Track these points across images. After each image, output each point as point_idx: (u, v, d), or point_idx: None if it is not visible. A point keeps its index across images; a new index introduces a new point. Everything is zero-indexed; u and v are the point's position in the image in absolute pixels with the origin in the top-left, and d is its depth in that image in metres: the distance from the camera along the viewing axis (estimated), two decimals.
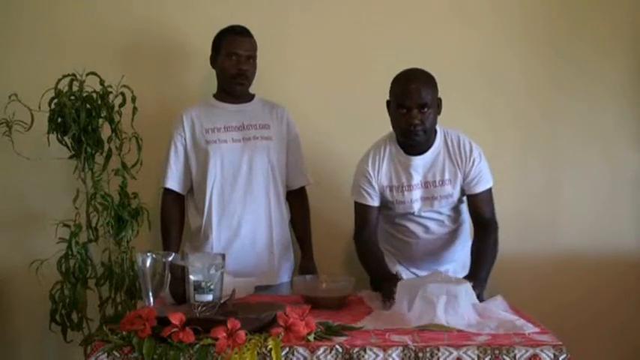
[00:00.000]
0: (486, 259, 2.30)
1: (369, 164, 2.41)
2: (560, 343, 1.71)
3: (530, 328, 1.83)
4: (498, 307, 2.02)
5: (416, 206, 2.40)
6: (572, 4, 3.06)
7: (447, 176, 2.37)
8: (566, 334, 1.85)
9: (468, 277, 2.15)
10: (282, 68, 2.97)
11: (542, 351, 1.67)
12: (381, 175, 2.39)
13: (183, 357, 1.67)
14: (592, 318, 3.01)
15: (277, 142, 2.72)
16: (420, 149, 2.36)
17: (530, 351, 1.68)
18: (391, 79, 2.35)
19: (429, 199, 2.40)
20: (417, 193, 2.39)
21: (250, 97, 2.76)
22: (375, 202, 2.42)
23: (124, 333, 1.74)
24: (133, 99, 2.68)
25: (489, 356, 1.67)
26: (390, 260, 2.51)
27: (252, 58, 2.68)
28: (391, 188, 2.40)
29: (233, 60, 2.65)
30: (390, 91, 2.35)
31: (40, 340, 2.95)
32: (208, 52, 2.72)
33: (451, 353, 1.68)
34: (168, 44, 3.00)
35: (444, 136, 2.39)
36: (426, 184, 2.39)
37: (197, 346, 1.68)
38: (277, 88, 2.90)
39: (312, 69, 3.02)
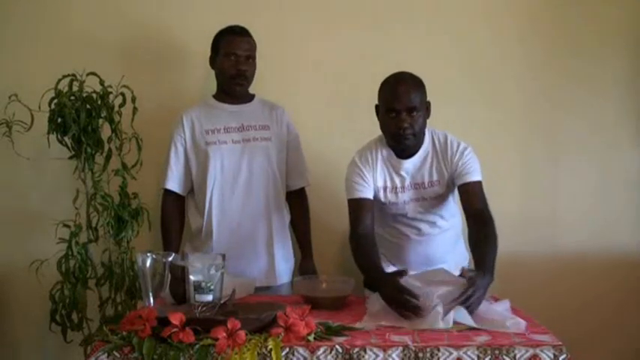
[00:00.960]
0: (489, 247, 2.17)
1: (361, 162, 2.38)
2: (560, 343, 1.71)
3: (518, 326, 1.82)
4: (499, 307, 2.02)
5: (408, 207, 2.40)
6: (573, 3, 3.05)
7: (435, 177, 2.37)
8: (568, 336, 1.85)
9: (475, 268, 2.09)
10: (280, 70, 2.96)
11: (542, 351, 1.68)
12: (376, 175, 2.38)
13: (183, 357, 1.67)
14: (594, 320, 3.00)
15: (277, 142, 2.72)
16: (410, 152, 2.36)
17: (530, 351, 1.68)
18: None
19: (419, 200, 2.40)
20: (408, 195, 2.39)
21: (250, 98, 2.76)
22: (369, 194, 2.36)
23: (124, 333, 1.74)
24: (133, 99, 2.68)
25: (489, 356, 1.67)
26: (383, 262, 2.47)
27: (251, 58, 2.67)
28: (385, 189, 2.39)
29: (232, 60, 2.64)
30: (379, 95, 2.34)
31: (40, 340, 2.94)
32: (208, 52, 2.72)
33: (451, 353, 1.68)
34: (169, 44, 2.99)
35: (432, 137, 2.39)
36: (415, 186, 2.38)
37: (197, 346, 1.68)
38: (274, 89, 2.89)
39: (309, 71, 3.01)
